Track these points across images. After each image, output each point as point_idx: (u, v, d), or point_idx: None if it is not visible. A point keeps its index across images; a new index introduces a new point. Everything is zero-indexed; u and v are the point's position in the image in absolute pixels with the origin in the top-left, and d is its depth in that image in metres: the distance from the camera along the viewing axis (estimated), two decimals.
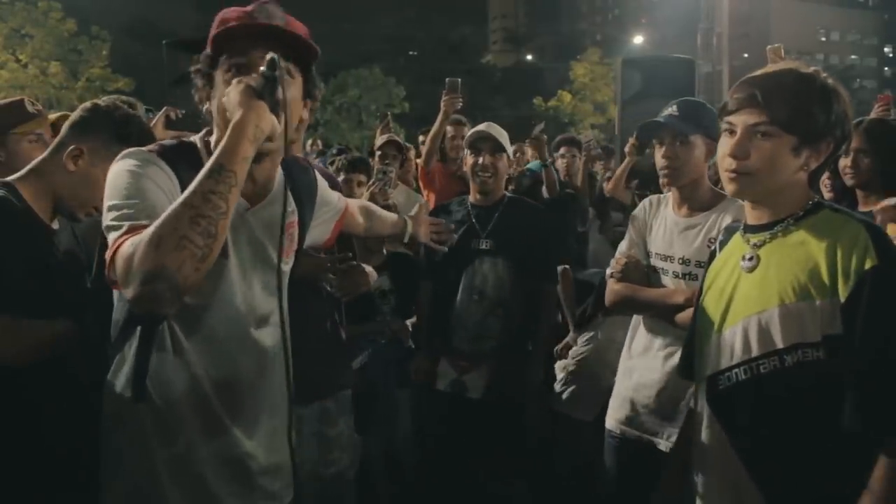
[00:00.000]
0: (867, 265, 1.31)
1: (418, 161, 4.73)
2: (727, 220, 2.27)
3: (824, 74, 1.47)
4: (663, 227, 2.44)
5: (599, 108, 30.45)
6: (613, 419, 2.52)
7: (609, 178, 4.54)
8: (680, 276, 2.36)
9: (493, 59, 60.21)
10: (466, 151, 3.08)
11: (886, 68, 63.61)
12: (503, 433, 2.99)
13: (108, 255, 1.20)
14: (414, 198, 4.25)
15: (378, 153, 4.22)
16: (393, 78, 30.06)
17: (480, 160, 3.01)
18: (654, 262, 2.46)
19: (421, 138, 5.00)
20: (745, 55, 37.78)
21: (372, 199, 3.09)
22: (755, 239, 1.50)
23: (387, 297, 3.35)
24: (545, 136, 4.53)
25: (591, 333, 3.47)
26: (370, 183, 3.33)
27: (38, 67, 21.72)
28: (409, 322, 3.34)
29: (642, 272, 2.47)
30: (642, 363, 2.43)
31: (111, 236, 1.22)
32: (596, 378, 3.28)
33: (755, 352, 1.43)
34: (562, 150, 4.94)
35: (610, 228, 4.35)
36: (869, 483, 1.31)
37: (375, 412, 3.10)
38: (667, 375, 2.34)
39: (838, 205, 1.53)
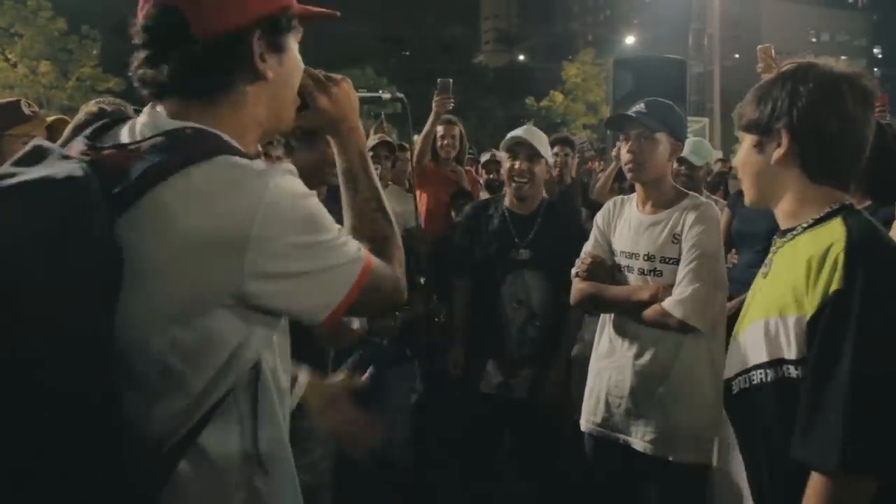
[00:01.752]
0: (832, 287, 1.23)
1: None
2: (691, 217, 2.33)
3: (783, 65, 1.43)
4: (628, 225, 2.50)
5: (591, 108, 30.47)
6: (588, 421, 2.55)
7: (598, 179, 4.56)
8: (645, 272, 2.41)
9: (485, 59, 60.14)
10: (504, 154, 3.09)
11: (876, 69, 63.90)
12: (540, 433, 3.09)
13: (356, 279, 1.09)
14: (406, 198, 4.24)
15: (370, 154, 4.20)
16: (385, 78, 30.00)
17: (516, 165, 3.01)
18: (620, 260, 2.51)
19: (414, 138, 5.01)
20: (737, 56, 37.86)
21: None
22: (777, 244, 1.48)
23: None
24: None
25: (577, 334, 3.48)
26: None
27: (28, 67, 21.54)
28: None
29: (607, 271, 2.51)
30: (611, 364, 2.47)
31: (353, 265, 1.10)
32: (582, 378, 3.30)
33: (749, 363, 1.40)
34: (555, 150, 4.94)
35: None
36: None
37: (366, 414, 3.09)
38: (637, 376, 2.38)
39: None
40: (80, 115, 1.90)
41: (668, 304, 2.27)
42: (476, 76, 44.10)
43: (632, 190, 4.34)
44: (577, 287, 2.53)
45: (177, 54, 1.02)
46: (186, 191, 0.93)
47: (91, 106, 1.93)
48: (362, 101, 1.39)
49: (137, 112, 1.19)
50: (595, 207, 4.53)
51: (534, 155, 3.01)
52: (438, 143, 4.38)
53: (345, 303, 1.09)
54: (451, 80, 4.11)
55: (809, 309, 1.26)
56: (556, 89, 31.55)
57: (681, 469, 2.30)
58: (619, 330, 2.47)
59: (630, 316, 2.40)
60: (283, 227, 0.99)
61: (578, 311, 3.16)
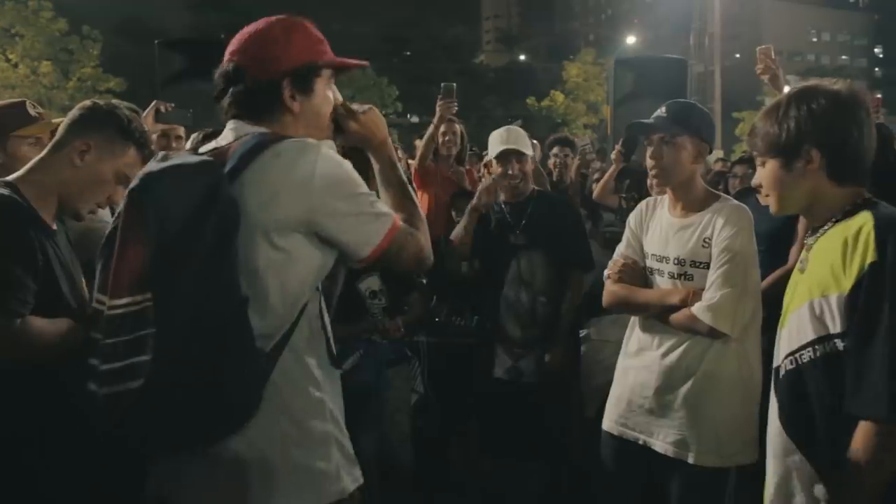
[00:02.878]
0: (868, 260, 1.40)
1: (411, 162, 4.73)
2: (721, 221, 2.29)
3: (793, 88, 1.61)
4: (659, 227, 2.46)
5: (592, 108, 30.46)
6: (610, 420, 2.52)
7: (598, 179, 4.56)
8: (675, 276, 2.38)
9: (486, 59, 60.18)
10: (493, 162, 3.28)
11: (877, 69, 63.93)
12: (552, 413, 3.21)
13: (387, 231, 1.53)
14: None
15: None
16: (385, 78, 29.97)
17: (510, 171, 3.22)
18: (650, 263, 2.47)
19: (417, 142, 5.02)
20: (737, 55, 37.92)
21: None
22: (810, 242, 1.63)
23: (377, 297, 3.34)
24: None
25: (585, 332, 3.49)
26: None
27: (29, 67, 21.54)
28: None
29: (639, 273, 2.49)
30: (638, 363, 2.44)
31: (385, 220, 1.54)
32: (589, 376, 3.31)
33: (795, 345, 1.55)
34: (555, 150, 4.96)
35: (601, 230, 4.37)
36: (849, 451, 1.43)
37: (367, 413, 3.09)
38: (662, 376, 2.35)
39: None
40: (74, 112, 1.91)
41: (697, 309, 2.25)
42: (477, 76, 44.14)
43: (630, 190, 4.39)
44: (609, 289, 2.52)
45: (236, 92, 1.56)
46: (271, 158, 1.44)
47: (86, 102, 1.96)
48: (391, 123, 1.70)
49: (132, 110, 1.93)
50: (593, 208, 4.55)
51: (521, 156, 3.22)
52: (440, 140, 4.38)
53: (382, 245, 1.53)
54: (454, 84, 4.14)
55: (847, 283, 1.43)
56: (556, 89, 31.55)
57: (700, 472, 2.28)
58: (648, 330, 2.44)
59: (660, 320, 2.38)
60: (333, 177, 1.48)
61: (578, 285, 3.32)
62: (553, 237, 3.21)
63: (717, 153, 13.86)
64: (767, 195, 1.68)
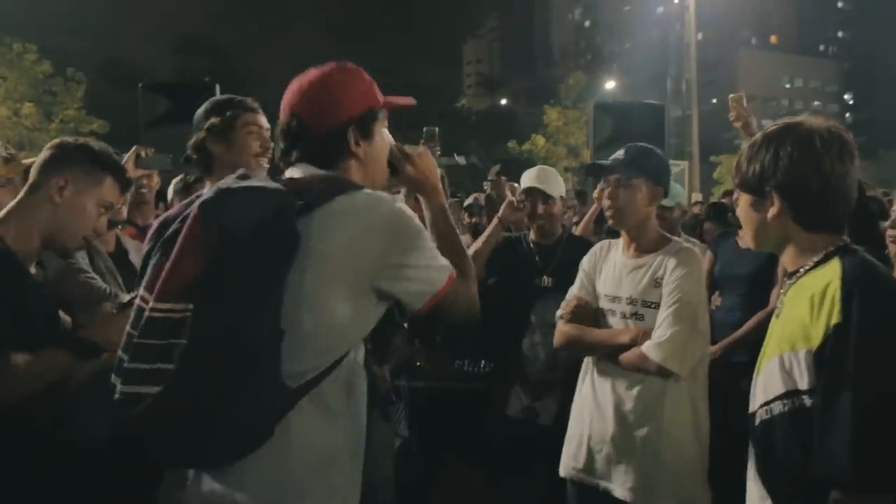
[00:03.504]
0: (833, 321, 1.36)
1: None
2: (672, 263, 2.34)
3: (770, 126, 1.57)
4: (612, 268, 2.52)
5: (573, 151, 30.84)
6: (568, 466, 2.51)
7: (577, 222, 4.59)
8: (627, 316, 2.41)
9: (468, 103, 61.04)
10: (522, 195, 3.33)
11: (847, 114, 65.60)
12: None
13: (445, 283, 1.55)
14: None
15: None
16: None
17: (535, 210, 3.26)
18: (603, 303, 2.51)
19: None
20: (714, 101, 38.77)
21: None
22: (786, 286, 1.60)
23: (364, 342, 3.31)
24: (503, 178, 4.63)
25: None
26: None
27: (11, 108, 21.50)
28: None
29: (591, 314, 2.52)
30: (593, 406, 2.45)
31: (444, 271, 1.56)
32: None
33: (769, 396, 1.50)
34: None
35: None
36: None
37: None
38: (618, 419, 2.36)
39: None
40: (45, 152, 1.92)
41: (646, 347, 2.27)
42: (459, 119, 44.67)
43: (611, 233, 4.43)
44: (561, 329, 2.54)
45: (302, 145, 1.58)
46: (347, 204, 1.45)
47: (54, 141, 1.98)
48: (441, 165, 1.83)
49: (117, 153, 1.93)
50: None
51: (546, 198, 3.23)
52: None
53: (437, 298, 1.54)
54: (436, 129, 4.17)
55: (815, 341, 1.39)
56: (537, 132, 31.95)
57: None
58: (602, 373, 2.45)
59: (611, 360, 2.39)
60: (403, 233, 1.49)
61: None
62: None
63: (696, 196, 14.04)
64: (743, 231, 1.68)
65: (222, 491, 1.40)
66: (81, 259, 2.19)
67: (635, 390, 2.34)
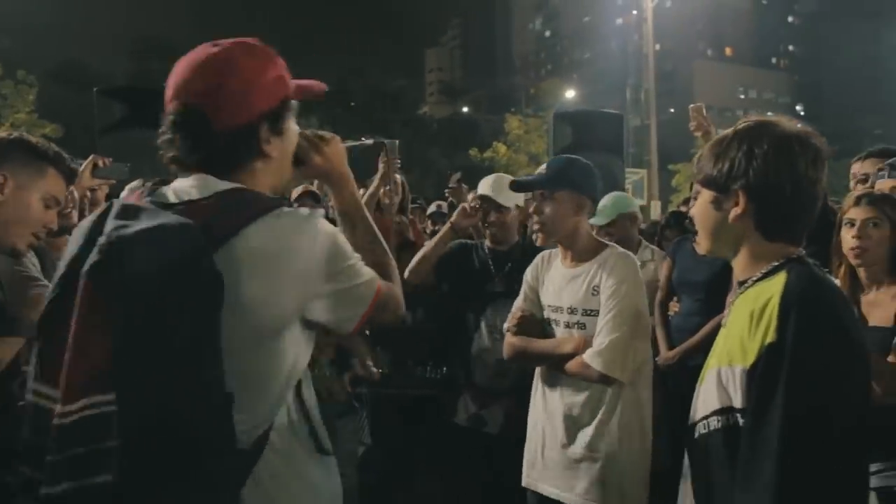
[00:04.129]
0: (767, 339, 1.27)
1: None
2: (607, 270, 2.38)
3: (741, 123, 1.48)
4: (553, 278, 2.55)
5: (534, 159, 31.08)
6: (525, 476, 2.53)
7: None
8: (570, 325, 2.44)
9: (430, 111, 61.11)
10: (476, 202, 3.26)
11: (799, 124, 67.33)
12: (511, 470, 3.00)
13: (373, 300, 1.40)
14: None
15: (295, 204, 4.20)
16: (329, 127, 30.02)
17: (487, 218, 3.18)
18: (547, 313, 2.55)
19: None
20: (672, 110, 39.45)
21: None
22: (735, 295, 1.51)
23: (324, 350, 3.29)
24: (465, 186, 4.63)
25: None
26: None
27: None
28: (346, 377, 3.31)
29: (537, 325, 2.55)
30: (544, 416, 2.48)
31: (369, 286, 1.40)
32: None
33: (707, 410, 1.42)
34: None
35: None
36: None
37: None
38: (566, 427, 2.39)
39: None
40: None
41: (587, 355, 2.29)
42: (420, 127, 44.69)
43: None
44: (507, 341, 2.57)
45: (203, 144, 1.28)
46: (265, 237, 1.22)
47: None
48: (350, 150, 1.63)
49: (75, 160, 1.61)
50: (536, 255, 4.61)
51: (500, 207, 3.16)
52: (381, 192, 4.36)
53: (367, 313, 1.39)
54: (397, 142, 4.14)
55: (749, 359, 1.30)
56: (499, 140, 32.15)
57: None
58: (551, 382, 2.48)
59: (556, 369, 2.43)
60: (329, 256, 1.31)
61: None
62: None
63: (655, 204, 14.28)
64: (697, 231, 1.57)
65: None
66: (32, 264, 2.13)
67: (581, 397, 2.37)
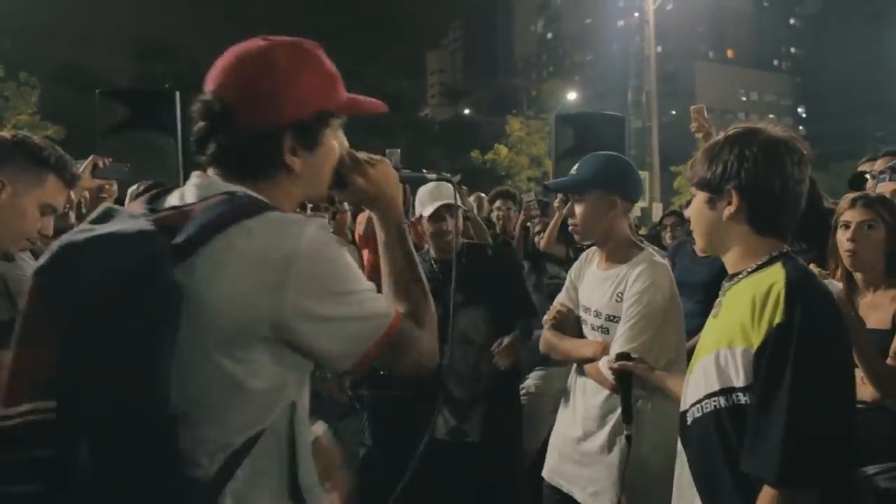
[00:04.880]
0: (776, 321, 1.39)
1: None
2: (633, 276, 2.33)
3: (730, 129, 1.60)
4: (589, 278, 2.54)
5: (535, 161, 31.13)
6: (546, 467, 2.58)
7: (539, 231, 4.61)
8: (595, 328, 2.43)
9: (431, 113, 61.21)
10: (426, 222, 3.09)
11: (801, 127, 67.36)
12: (499, 474, 3.06)
13: (380, 338, 1.20)
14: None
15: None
16: None
17: (444, 226, 3.04)
18: (581, 313, 2.54)
19: None
20: (674, 112, 39.49)
21: None
22: (725, 288, 1.63)
23: None
24: (465, 188, 4.62)
25: (525, 386, 3.53)
26: None
27: None
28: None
29: (572, 321, 2.54)
30: (565, 413, 2.52)
31: (379, 322, 1.21)
32: (537, 406, 3.33)
33: (702, 393, 1.52)
34: (498, 203, 5.02)
35: (544, 282, 4.41)
36: None
37: None
38: (583, 426, 2.40)
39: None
40: None
41: (602, 364, 2.27)
42: (422, 129, 44.81)
43: (574, 239, 4.49)
44: (543, 335, 2.58)
45: (222, 138, 1.19)
46: (238, 237, 1.09)
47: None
48: (407, 180, 1.58)
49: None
50: (536, 260, 4.60)
51: (450, 213, 3.04)
52: None
53: (370, 354, 1.20)
54: (399, 150, 4.12)
55: (756, 341, 1.41)
56: (500, 142, 32.17)
57: None
58: (574, 381, 2.51)
59: (579, 371, 2.44)
60: (318, 271, 1.13)
61: (529, 331, 3.17)
62: (492, 289, 3.06)
63: (657, 206, 14.29)
64: (692, 230, 1.69)
65: None
66: (27, 264, 2.13)
67: (600, 398, 2.36)
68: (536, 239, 4.64)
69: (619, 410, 2.29)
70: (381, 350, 1.20)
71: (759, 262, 1.54)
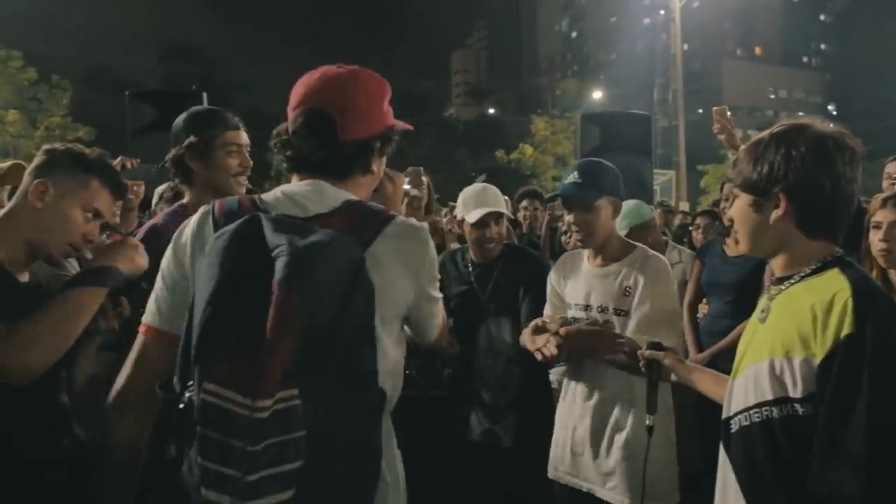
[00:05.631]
0: (844, 332, 1.30)
1: None
2: (641, 273, 2.41)
3: (775, 127, 1.52)
4: (580, 277, 2.57)
5: (560, 160, 31.00)
6: (555, 468, 2.59)
7: (566, 231, 4.59)
8: (598, 324, 2.42)
9: (456, 112, 61.24)
10: (470, 227, 3.04)
11: (831, 125, 66.26)
12: (528, 481, 2.98)
13: (435, 340, 1.63)
14: None
15: None
16: None
17: (488, 234, 3.00)
18: (574, 312, 2.56)
19: None
20: (700, 110, 39.10)
21: None
22: (773, 291, 1.54)
23: None
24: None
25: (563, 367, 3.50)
26: None
27: None
28: None
29: (568, 325, 2.54)
30: (575, 410, 2.52)
31: (437, 324, 1.60)
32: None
33: (752, 401, 1.45)
34: (524, 203, 5.00)
35: None
36: None
37: None
38: (598, 423, 2.43)
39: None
40: (35, 160, 1.88)
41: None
42: (447, 129, 44.79)
43: None
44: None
45: (327, 149, 1.44)
46: (392, 238, 1.40)
47: (44, 147, 1.92)
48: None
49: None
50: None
51: (499, 217, 3.03)
52: (408, 198, 4.36)
53: (446, 325, 1.64)
54: (421, 168, 4.11)
55: (819, 351, 1.33)
56: (525, 142, 32.08)
57: None
58: (581, 377, 2.52)
59: (577, 365, 2.51)
60: (432, 263, 1.49)
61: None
62: (523, 301, 3.00)
63: (683, 205, 14.14)
64: (737, 232, 1.60)
65: None
66: (73, 269, 2.16)
67: (609, 392, 2.42)
68: (563, 239, 4.62)
69: (633, 400, 2.37)
70: (446, 325, 1.64)
71: (812, 267, 1.46)
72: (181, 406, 1.18)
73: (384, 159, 1.58)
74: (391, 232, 1.40)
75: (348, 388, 1.22)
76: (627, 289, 2.42)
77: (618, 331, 2.38)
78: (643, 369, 2.16)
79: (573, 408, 2.52)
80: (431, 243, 1.47)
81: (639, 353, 2.16)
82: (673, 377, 2.11)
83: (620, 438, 2.39)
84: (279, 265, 1.17)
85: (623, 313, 2.41)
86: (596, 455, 2.43)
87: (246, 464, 1.11)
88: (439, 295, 1.55)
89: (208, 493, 1.11)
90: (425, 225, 1.50)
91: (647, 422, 2.10)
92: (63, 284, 1.77)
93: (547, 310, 2.67)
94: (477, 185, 3.16)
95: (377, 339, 1.31)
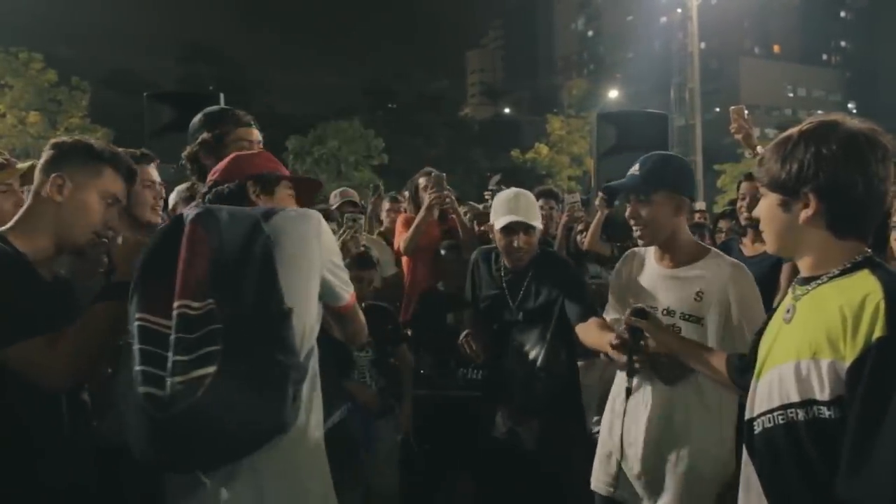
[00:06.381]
0: (875, 334, 1.27)
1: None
2: (726, 281, 2.27)
3: (804, 124, 1.47)
4: (646, 278, 2.44)
5: (576, 160, 30.86)
6: (600, 480, 2.46)
7: (581, 231, 4.57)
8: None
9: (471, 112, 61.18)
10: (498, 233, 2.99)
11: (862, 123, 65.49)
12: (550, 487, 3.01)
13: (347, 304, 1.92)
14: (385, 251, 4.32)
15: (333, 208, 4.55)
16: (372, 130, 30.27)
17: (514, 243, 2.95)
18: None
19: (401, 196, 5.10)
20: (717, 109, 38.74)
21: (344, 247, 3.05)
22: (798, 291, 1.50)
23: (364, 350, 3.32)
24: (503, 187, 4.58)
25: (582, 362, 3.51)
26: (340, 231, 3.28)
27: (17, 117, 21.65)
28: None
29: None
30: (626, 422, 2.34)
31: (347, 290, 1.91)
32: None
33: (776, 402, 1.42)
34: (540, 202, 4.96)
35: (586, 281, 4.36)
36: None
37: (352, 468, 3.04)
38: (648, 435, 2.31)
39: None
40: (43, 157, 1.93)
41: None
42: (462, 128, 44.79)
43: (612, 239, 4.40)
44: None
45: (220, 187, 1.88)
46: (288, 214, 1.75)
47: (49, 142, 1.97)
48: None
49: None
50: (578, 260, 4.56)
51: (529, 229, 2.96)
52: (421, 195, 4.33)
53: (352, 299, 1.92)
54: (444, 175, 4.06)
55: (849, 354, 1.30)
56: (541, 141, 31.97)
57: None
58: (635, 390, 2.34)
59: (647, 375, 2.32)
60: (329, 239, 1.83)
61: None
62: (553, 311, 2.96)
63: (699, 205, 14.04)
64: (763, 232, 1.57)
65: (239, 490, 1.59)
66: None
67: (666, 406, 2.29)
68: (578, 238, 4.60)
69: (689, 421, 2.27)
70: (353, 302, 1.94)
71: (841, 268, 1.42)
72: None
73: (274, 195, 1.94)
74: (287, 212, 1.75)
75: (259, 298, 1.53)
76: (699, 294, 2.28)
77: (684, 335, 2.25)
78: (625, 335, 2.15)
79: (624, 420, 2.32)
80: (323, 226, 1.79)
81: (623, 318, 2.18)
82: (652, 343, 2.12)
83: (673, 453, 2.28)
84: (190, 213, 1.61)
85: (692, 319, 2.28)
86: (648, 470, 2.31)
87: (185, 348, 1.44)
88: (340, 266, 1.86)
89: (146, 388, 1.42)
90: (310, 211, 1.82)
91: (626, 384, 2.19)
92: (96, 296, 1.83)
93: (608, 316, 2.58)
94: (510, 191, 3.10)
95: (289, 284, 1.59)
